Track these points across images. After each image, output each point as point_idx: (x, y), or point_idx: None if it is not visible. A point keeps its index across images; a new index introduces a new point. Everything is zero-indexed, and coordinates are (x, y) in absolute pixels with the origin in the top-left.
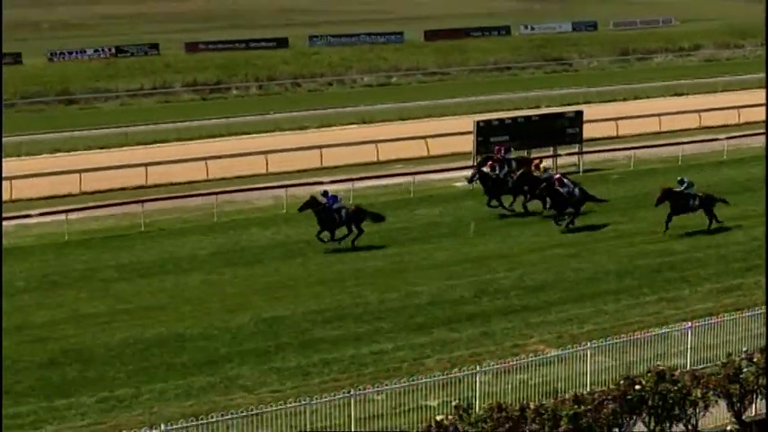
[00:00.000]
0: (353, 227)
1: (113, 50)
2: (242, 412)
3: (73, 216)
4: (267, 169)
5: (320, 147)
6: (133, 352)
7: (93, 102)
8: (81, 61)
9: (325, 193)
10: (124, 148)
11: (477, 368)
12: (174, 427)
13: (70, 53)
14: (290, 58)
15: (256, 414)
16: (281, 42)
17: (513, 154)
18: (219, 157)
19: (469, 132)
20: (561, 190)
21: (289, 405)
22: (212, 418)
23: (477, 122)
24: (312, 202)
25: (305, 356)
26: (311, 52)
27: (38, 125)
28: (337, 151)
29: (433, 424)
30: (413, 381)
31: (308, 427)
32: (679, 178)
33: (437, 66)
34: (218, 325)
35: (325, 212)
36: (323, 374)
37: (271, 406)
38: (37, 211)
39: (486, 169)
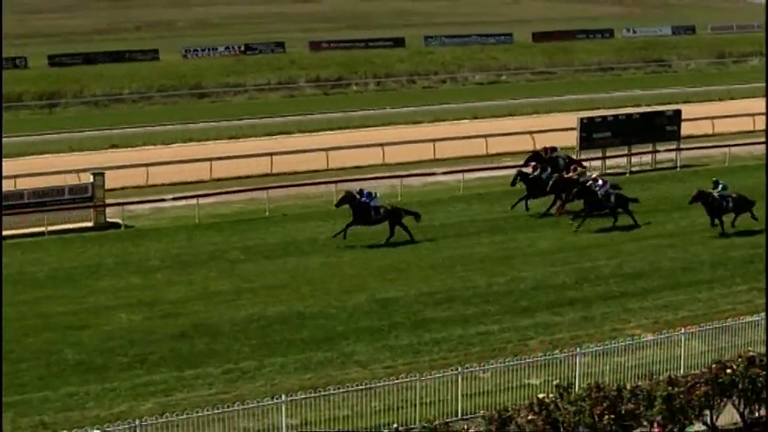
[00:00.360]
0: (391, 225)
1: (243, 48)
2: (357, 386)
3: (203, 201)
4: (383, 160)
5: (433, 140)
6: (256, 328)
7: (223, 95)
8: (213, 58)
9: (361, 192)
10: (251, 139)
11: (578, 350)
12: (294, 398)
13: (203, 50)
14: (406, 57)
15: (369, 388)
16: (399, 42)
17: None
18: (339, 148)
19: (573, 128)
20: (598, 192)
21: (400, 380)
22: (329, 390)
23: (581, 119)
24: (348, 198)
25: (416, 335)
26: (426, 51)
27: (173, 116)
28: (449, 144)
29: (534, 401)
30: (517, 360)
31: (417, 401)
32: (714, 179)
33: (544, 65)
34: (336, 304)
35: (361, 208)
36: (432, 353)
37: (383, 380)
38: (171, 196)
39: (528, 170)
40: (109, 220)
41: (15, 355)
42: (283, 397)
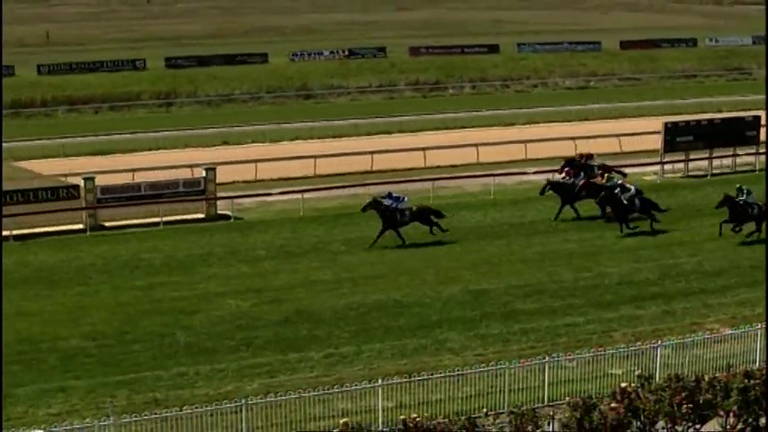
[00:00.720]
0: (423, 224)
1: (346, 52)
2: (449, 371)
3: (308, 195)
4: (477, 159)
5: (525, 141)
6: (356, 315)
7: (327, 97)
8: (318, 61)
9: (389, 195)
10: (353, 138)
11: (659, 342)
12: (390, 382)
13: (309, 54)
14: (500, 63)
15: (461, 374)
16: (493, 48)
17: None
18: (436, 147)
19: (658, 132)
20: (623, 198)
21: (490, 367)
22: (423, 375)
23: (666, 124)
24: (373, 203)
25: (506, 326)
26: (519, 58)
27: (280, 116)
28: (540, 146)
29: (617, 390)
30: (601, 351)
31: (506, 387)
32: (738, 186)
33: (630, 72)
34: (431, 294)
35: (388, 212)
36: (521, 342)
37: (474, 367)
38: (277, 190)
39: (559, 177)
40: (219, 212)
41: (131, 336)
42: (380, 381)
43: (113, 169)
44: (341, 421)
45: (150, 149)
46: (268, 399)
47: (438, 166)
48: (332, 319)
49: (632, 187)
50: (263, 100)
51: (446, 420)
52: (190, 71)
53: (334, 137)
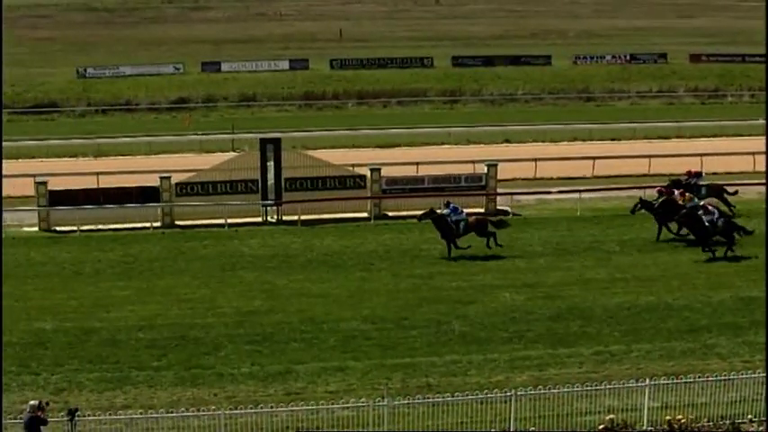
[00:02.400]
0: (481, 236)
1: (628, 57)
2: (717, 376)
3: (585, 195)
4: (754, 168)
5: None
6: (627, 315)
7: (608, 100)
8: (600, 65)
9: (447, 204)
10: (631, 141)
11: None
12: (657, 382)
13: (591, 58)
14: None
15: (728, 379)
16: None
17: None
18: (714, 154)
19: None
20: (704, 219)
21: (756, 375)
22: (689, 378)
23: None
24: (429, 213)
25: None
26: None
27: (560, 117)
28: None
29: None
30: None
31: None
32: None
33: None
34: (701, 299)
35: (442, 222)
36: None
37: (741, 373)
38: (555, 189)
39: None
40: (498, 207)
41: (408, 322)
42: (647, 380)
43: (398, 161)
44: (606, 417)
45: (434, 144)
46: (537, 391)
47: (714, 173)
48: (603, 317)
49: (715, 210)
50: (544, 101)
51: (710, 423)
52: (475, 70)
53: (613, 139)
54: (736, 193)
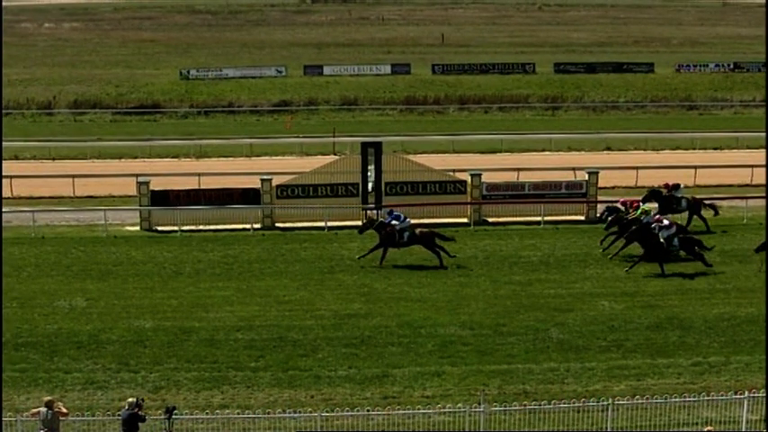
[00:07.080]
0: (428, 249)
1: (732, 66)
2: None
3: None
4: None
5: None
6: (726, 326)
7: (710, 109)
8: (703, 74)
9: (390, 212)
10: (734, 151)
11: None
12: (756, 395)
13: (695, 66)
14: None
15: None
16: None
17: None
18: None
19: None
20: (660, 235)
21: None
22: None
23: None
24: (368, 223)
25: None
26: None
27: (662, 125)
28: None
29: None
30: None
31: None
32: None
33: None
34: None
35: (382, 229)
36: None
37: None
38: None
39: (620, 206)
40: (598, 215)
41: (506, 328)
42: (746, 393)
43: (499, 167)
44: (705, 429)
45: (535, 150)
46: (634, 401)
47: None
48: (702, 327)
49: (674, 225)
50: (646, 109)
51: None
52: (577, 77)
53: (715, 149)
54: (717, 213)
